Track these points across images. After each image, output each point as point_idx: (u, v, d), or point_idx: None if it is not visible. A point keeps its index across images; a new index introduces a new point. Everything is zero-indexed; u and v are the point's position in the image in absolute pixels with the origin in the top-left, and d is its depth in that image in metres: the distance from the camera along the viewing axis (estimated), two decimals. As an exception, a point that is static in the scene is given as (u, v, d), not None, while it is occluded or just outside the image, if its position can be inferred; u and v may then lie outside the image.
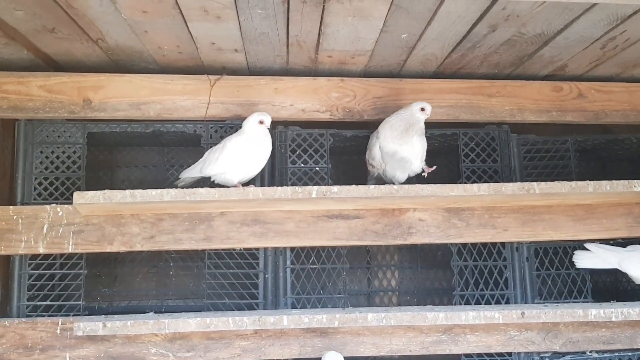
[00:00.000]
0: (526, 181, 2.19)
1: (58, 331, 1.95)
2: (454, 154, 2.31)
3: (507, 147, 2.25)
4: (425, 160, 2.13)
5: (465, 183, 2.18)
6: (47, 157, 2.09)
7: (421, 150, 2.10)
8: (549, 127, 2.40)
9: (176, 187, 2.15)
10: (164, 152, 2.53)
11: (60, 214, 2.03)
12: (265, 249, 2.11)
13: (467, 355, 2.07)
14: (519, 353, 2.07)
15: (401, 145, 2.06)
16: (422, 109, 2.06)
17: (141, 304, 2.44)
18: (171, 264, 2.47)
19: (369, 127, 2.32)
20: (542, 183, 1.97)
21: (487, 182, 2.18)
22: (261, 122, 2.05)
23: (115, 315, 1.99)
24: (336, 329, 2.01)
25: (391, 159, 2.09)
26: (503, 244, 2.16)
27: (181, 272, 2.48)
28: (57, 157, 2.10)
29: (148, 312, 2.14)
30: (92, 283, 2.40)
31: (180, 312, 2.16)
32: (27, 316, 1.99)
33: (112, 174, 2.53)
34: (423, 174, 2.12)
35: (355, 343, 2.02)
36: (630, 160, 2.59)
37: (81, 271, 2.03)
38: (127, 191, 1.88)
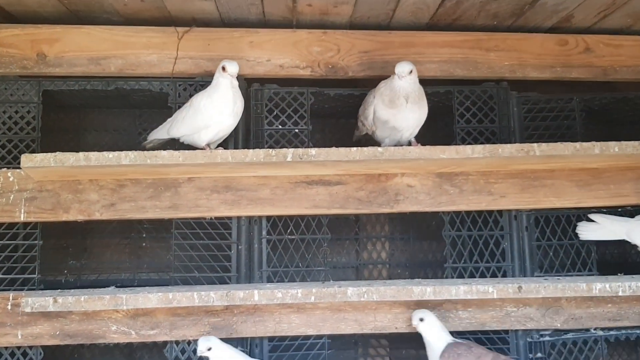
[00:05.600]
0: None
1: (9, 307, 1.80)
2: (448, 116, 2.12)
3: (506, 106, 2.08)
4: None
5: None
6: (-2, 118, 1.92)
7: (415, 121, 1.89)
8: (553, 85, 2.23)
9: (144, 148, 2.00)
10: (135, 115, 2.38)
11: (11, 179, 1.87)
12: (239, 218, 1.95)
13: (459, 333, 1.90)
14: (516, 331, 1.93)
15: (394, 115, 1.87)
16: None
17: (112, 277, 2.30)
18: (144, 235, 2.33)
19: (355, 85, 2.13)
20: (543, 144, 1.82)
21: (484, 144, 1.98)
22: (224, 69, 1.83)
23: (70, 290, 1.84)
24: (314, 305, 1.86)
25: (382, 126, 1.92)
26: (500, 211, 2.00)
27: (155, 244, 2.34)
28: (10, 118, 1.95)
29: (118, 286, 2.00)
30: (59, 255, 2.26)
31: (154, 286, 2.02)
32: (-22, 291, 1.83)
33: (79, 139, 2.35)
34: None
35: (336, 320, 1.87)
36: (642, 124, 2.39)
37: (35, 242, 1.86)
38: (81, 153, 1.72)
